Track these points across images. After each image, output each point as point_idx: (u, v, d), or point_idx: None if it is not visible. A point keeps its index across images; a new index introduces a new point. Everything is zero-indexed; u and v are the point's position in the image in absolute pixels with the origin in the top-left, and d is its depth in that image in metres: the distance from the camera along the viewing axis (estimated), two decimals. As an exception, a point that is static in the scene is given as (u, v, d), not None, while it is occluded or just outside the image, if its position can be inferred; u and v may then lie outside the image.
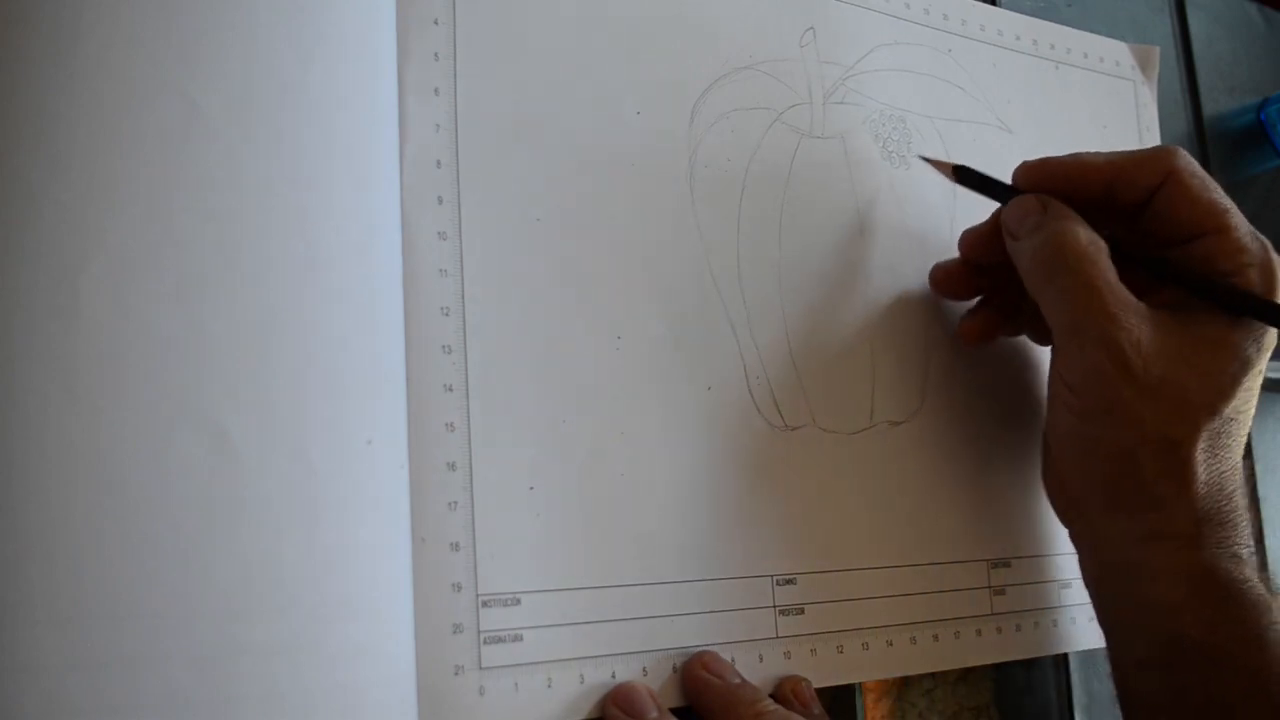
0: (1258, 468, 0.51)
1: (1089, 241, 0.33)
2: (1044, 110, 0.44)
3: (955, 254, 0.39)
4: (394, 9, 0.32)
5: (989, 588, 0.38)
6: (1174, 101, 0.53)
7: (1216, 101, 0.54)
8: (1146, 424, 0.33)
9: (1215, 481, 0.34)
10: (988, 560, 0.38)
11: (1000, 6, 0.46)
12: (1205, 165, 0.52)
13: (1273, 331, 0.34)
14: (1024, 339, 0.41)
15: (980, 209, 0.39)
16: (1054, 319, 0.34)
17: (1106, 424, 0.34)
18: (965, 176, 0.38)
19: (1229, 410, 0.33)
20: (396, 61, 0.31)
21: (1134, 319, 0.33)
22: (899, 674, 0.36)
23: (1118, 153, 0.35)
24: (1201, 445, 0.33)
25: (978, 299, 0.39)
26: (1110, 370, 0.33)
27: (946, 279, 0.39)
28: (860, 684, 0.37)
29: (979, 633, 0.37)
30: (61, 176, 0.26)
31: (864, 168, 0.39)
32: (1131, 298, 0.33)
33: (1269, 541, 0.50)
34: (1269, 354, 0.34)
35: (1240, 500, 0.34)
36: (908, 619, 0.36)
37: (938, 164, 0.39)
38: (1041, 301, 0.35)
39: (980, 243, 0.38)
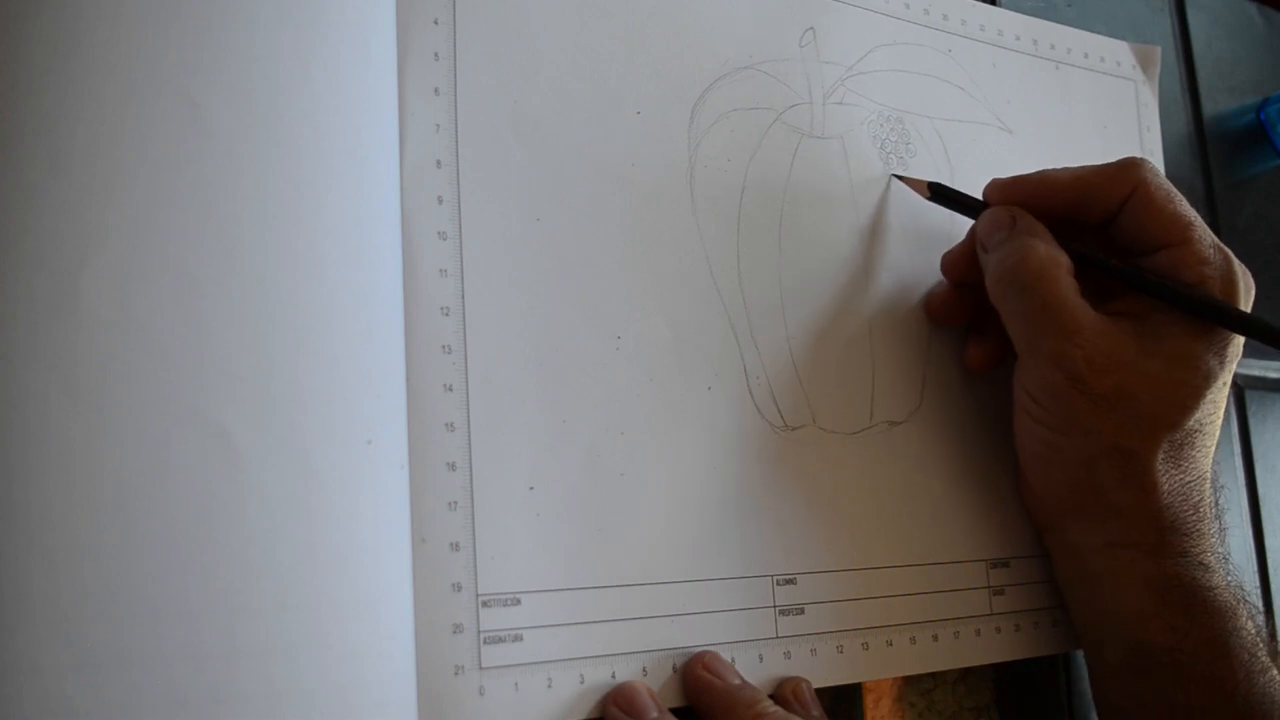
0: (1258, 468, 0.51)
1: (1047, 258, 0.34)
2: (1044, 110, 0.44)
3: (954, 249, 0.39)
4: (394, 9, 0.32)
5: (988, 588, 0.38)
6: (1174, 101, 0.53)
7: (1216, 101, 0.54)
8: (1103, 435, 0.33)
9: (1179, 491, 0.34)
10: (987, 560, 0.38)
11: (1000, 6, 0.46)
12: (1205, 165, 0.52)
13: (1236, 343, 0.34)
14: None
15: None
16: (1013, 334, 0.35)
17: (1066, 434, 0.34)
18: (939, 194, 0.38)
19: (1191, 423, 0.34)
20: (396, 61, 0.31)
21: (1089, 334, 0.33)
22: (899, 674, 0.36)
23: (1085, 168, 0.36)
24: (1161, 456, 0.34)
25: (982, 326, 0.39)
26: (1064, 385, 0.33)
27: (941, 306, 0.39)
28: (861, 684, 0.37)
29: (979, 633, 0.37)
30: (61, 176, 0.26)
31: (864, 168, 0.39)
32: (1089, 312, 0.33)
33: (1269, 542, 0.50)
34: (1234, 365, 0.34)
35: (1208, 510, 0.35)
36: (908, 619, 0.36)
37: (912, 183, 0.39)
38: (1003, 316, 0.35)
39: (960, 262, 0.38)
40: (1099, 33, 0.47)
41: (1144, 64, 0.48)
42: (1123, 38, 0.48)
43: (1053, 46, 0.45)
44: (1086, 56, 0.46)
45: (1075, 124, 0.45)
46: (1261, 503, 0.50)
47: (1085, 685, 0.39)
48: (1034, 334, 0.34)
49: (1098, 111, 0.46)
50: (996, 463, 0.39)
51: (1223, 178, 0.52)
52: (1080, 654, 0.39)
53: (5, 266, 0.25)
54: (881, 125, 0.40)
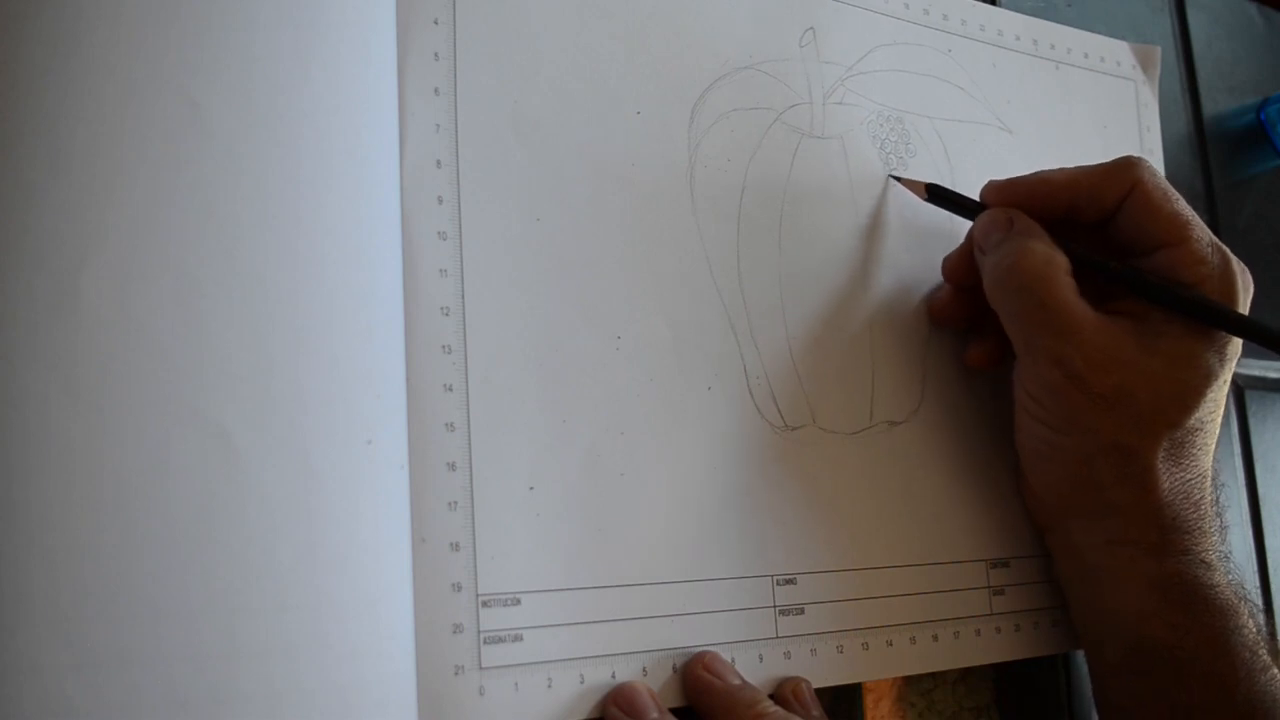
0: (1258, 468, 0.51)
1: (1045, 259, 0.34)
2: (1044, 110, 0.44)
3: (953, 252, 0.40)
4: (394, 9, 0.32)
5: (988, 588, 0.38)
6: (1174, 101, 0.53)
7: (1216, 101, 0.54)
8: (1103, 433, 0.33)
9: (1180, 489, 0.34)
10: (987, 560, 0.38)
11: (1000, 6, 0.46)
12: (1205, 165, 0.52)
13: (1235, 342, 0.34)
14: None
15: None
16: (1011, 335, 0.35)
17: (1066, 432, 0.34)
18: (937, 195, 0.38)
19: (1192, 421, 0.34)
20: (396, 61, 0.31)
21: (1087, 334, 0.33)
22: (899, 674, 0.36)
23: (1082, 168, 0.36)
24: (1161, 454, 0.34)
25: (982, 325, 0.39)
26: (1063, 383, 0.33)
27: (943, 308, 0.39)
28: (860, 684, 0.37)
29: (979, 633, 0.37)
30: (61, 176, 0.26)
31: (864, 168, 0.39)
32: (1087, 311, 0.33)
33: (1269, 542, 0.50)
34: (1233, 364, 0.34)
35: (1209, 508, 0.35)
36: (908, 619, 0.36)
37: (910, 184, 0.39)
38: (1001, 317, 0.35)
39: (960, 265, 0.38)
40: (1099, 33, 0.47)
41: (1144, 64, 0.48)
42: (1123, 38, 0.48)
43: (1053, 46, 0.45)
44: (1086, 56, 0.46)
45: (1075, 124, 0.45)
46: (1261, 503, 0.50)
47: (1085, 685, 0.39)
48: (1032, 334, 0.34)
49: (1098, 111, 0.46)
50: (996, 462, 0.39)
51: (1223, 178, 0.52)
52: (1080, 654, 0.39)
53: (5, 266, 0.25)
54: (881, 125, 0.40)
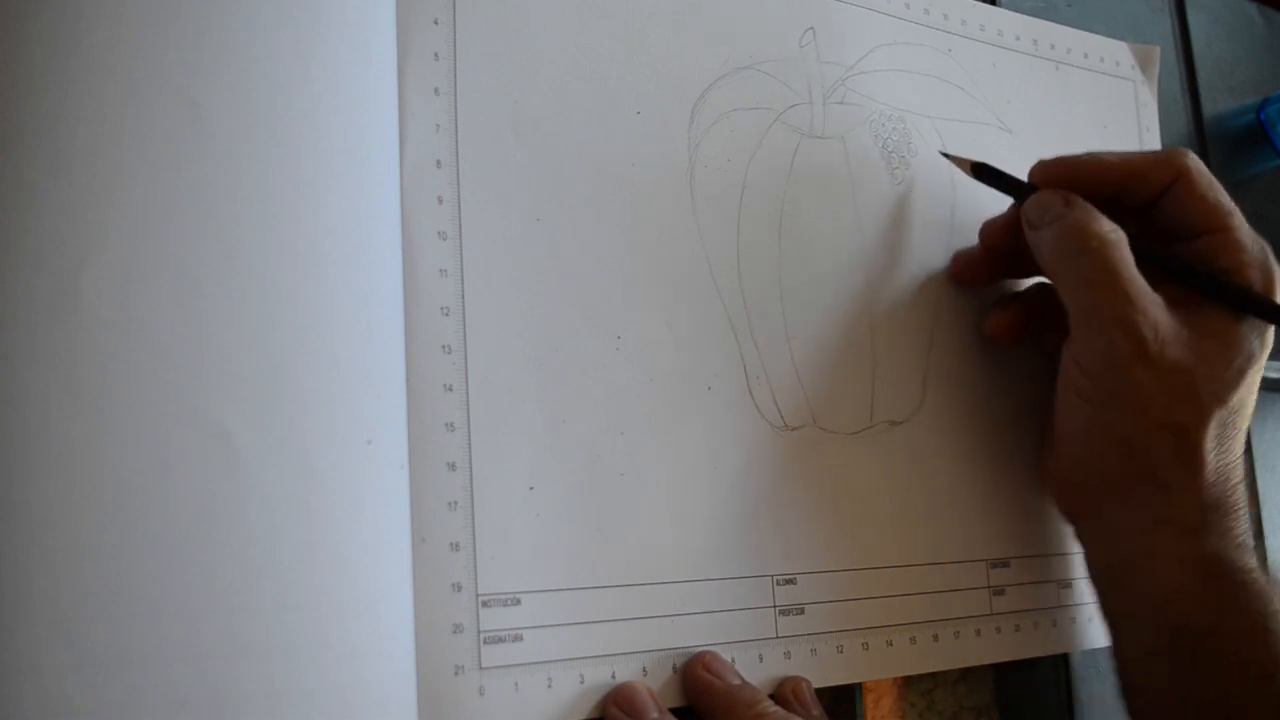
0: (1257, 467, 0.51)
1: (1110, 229, 0.34)
2: (1044, 110, 0.44)
3: (952, 253, 0.40)
4: (394, 9, 0.32)
5: (989, 588, 0.38)
6: (1174, 101, 0.53)
7: (1216, 101, 0.54)
8: (1159, 409, 0.33)
9: (1222, 470, 0.34)
10: (987, 560, 0.38)
11: (1000, 6, 0.46)
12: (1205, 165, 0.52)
13: (1273, 328, 0.34)
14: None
15: (980, 209, 0.39)
16: (1072, 303, 0.35)
17: (1119, 409, 0.34)
18: (983, 173, 0.39)
19: (1235, 401, 0.34)
20: (396, 61, 0.31)
21: (1151, 304, 0.34)
22: (899, 674, 0.36)
23: (1132, 152, 0.37)
24: (1211, 433, 0.34)
25: (1000, 299, 0.40)
26: (1127, 352, 0.33)
27: (968, 266, 0.39)
28: (860, 684, 0.37)
29: (979, 633, 0.37)
30: (61, 176, 0.26)
31: (864, 168, 0.39)
32: (1147, 286, 0.34)
33: (1269, 542, 0.50)
34: (1269, 349, 0.35)
35: (1242, 492, 0.35)
36: (908, 619, 0.36)
37: (957, 160, 0.39)
38: (1061, 287, 0.35)
39: (1001, 232, 0.38)
40: (1099, 33, 0.47)
41: (1143, 64, 0.48)
42: (1123, 38, 0.48)
43: (1053, 46, 0.45)
44: (1086, 56, 0.46)
45: (1075, 124, 0.45)
46: (1262, 503, 0.50)
47: (1085, 685, 0.39)
48: (1098, 300, 0.34)
49: (1097, 111, 0.46)
50: (998, 462, 0.39)
51: (1223, 178, 0.52)
52: (1080, 654, 0.39)
53: (5, 266, 0.25)
54: (882, 125, 0.40)
